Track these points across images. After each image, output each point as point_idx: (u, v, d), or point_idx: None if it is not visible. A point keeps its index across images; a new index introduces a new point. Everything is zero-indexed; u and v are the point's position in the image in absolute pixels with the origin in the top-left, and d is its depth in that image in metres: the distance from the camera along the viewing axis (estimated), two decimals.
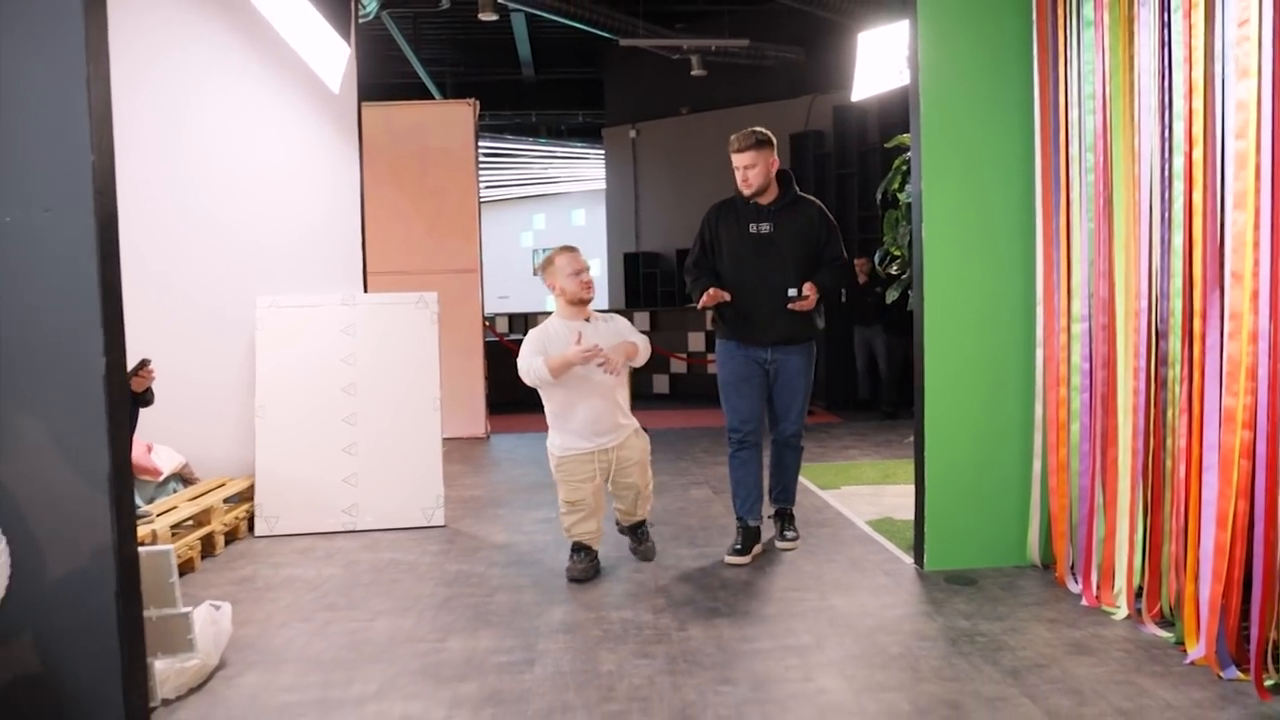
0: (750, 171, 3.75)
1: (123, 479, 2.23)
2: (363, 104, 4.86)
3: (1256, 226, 2.42)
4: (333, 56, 4.46)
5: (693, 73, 10.99)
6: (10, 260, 2.15)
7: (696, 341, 10.22)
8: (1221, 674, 2.54)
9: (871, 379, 8.58)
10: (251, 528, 4.45)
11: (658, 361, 10.27)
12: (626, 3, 10.26)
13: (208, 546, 4.06)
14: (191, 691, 2.60)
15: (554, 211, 19.57)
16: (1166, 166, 2.79)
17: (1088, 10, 3.14)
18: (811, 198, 3.93)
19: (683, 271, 4.05)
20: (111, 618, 2.22)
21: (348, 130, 4.72)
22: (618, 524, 3.87)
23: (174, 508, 4.02)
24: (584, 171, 17.48)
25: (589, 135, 15.61)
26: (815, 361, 3.95)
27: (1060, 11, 3.31)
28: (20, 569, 2.14)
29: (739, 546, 3.81)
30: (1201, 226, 2.64)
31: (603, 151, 14.18)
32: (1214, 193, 2.59)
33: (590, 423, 3.59)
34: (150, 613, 2.41)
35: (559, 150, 16.48)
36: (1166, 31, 2.78)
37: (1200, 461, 2.65)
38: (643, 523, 3.84)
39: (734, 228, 3.83)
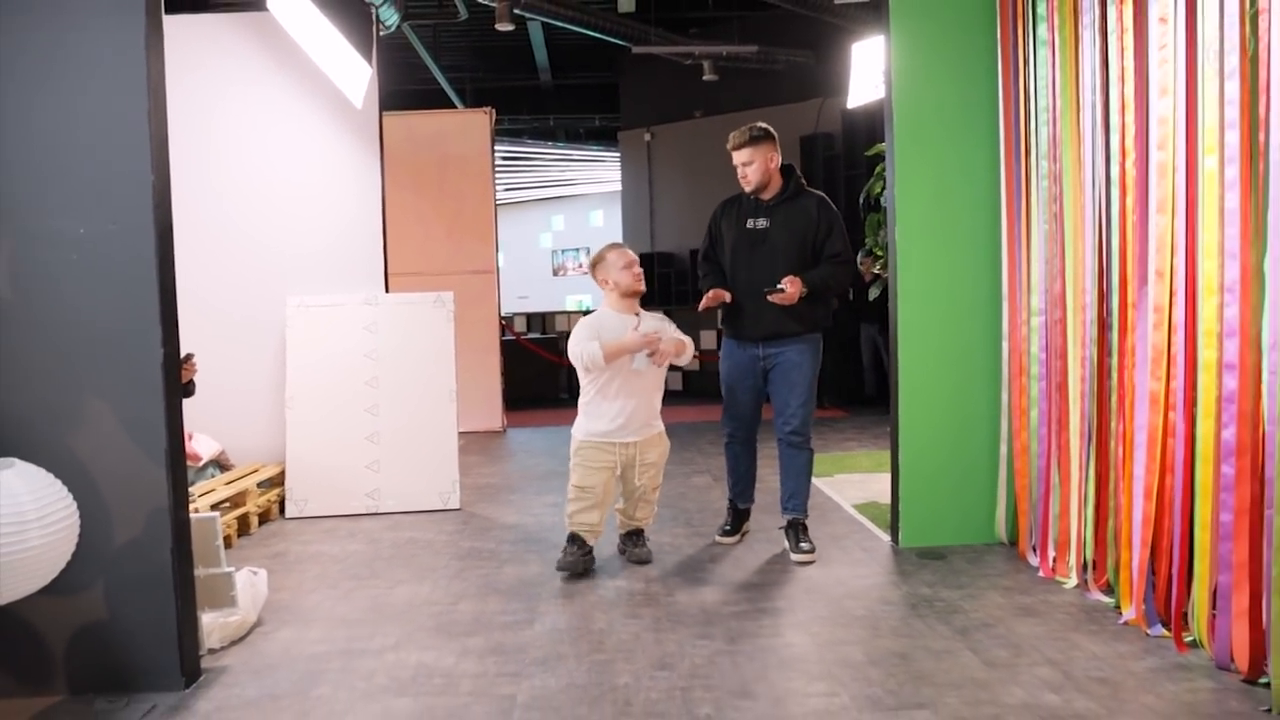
0: (749, 169, 3.77)
1: (177, 453, 2.59)
2: (385, 113, 5.22)
3: (1174, 228, 2.70)
4: (356, 75, 4.82)
5: (704, 77, 11.29)
6: (83, 266, 2.52)
7: (709, 339, 10.52)
8: (1149, 631, 2.82)
9: (877, 375, 8.86)
10: (283, 510, 4.83)
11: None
12: (640, 11, 10.59)
13: (243, 526, 4.44)
14: (233, 643, 2.96)
15: (573, 213, 19.90)
16: (1106, 174, 3.08)
17: (1042, 30, 3.43)
18: (815, 192, 3.89)
19: (695, 267, 4.06)
20: (168, 573, 2.59)
21: (370, 142, 5.09)
22: (619, 535, 3.90)
23: (212, 490, 4.39)
24: (601, 174, 17.79)
25: (605, 138, 15.93)
26: (819, 358, 3.86)
27: (1020, 31, 3.59)
28: (90, 530, 2.49)
29: (728, 527, 4.08)
30: (1134, 228, 2.93)
31: (618, 154, 14.50)
32: (1142, 199, 2.87)
33: (622, 415, 3.66)
34: (199, 571, 2.77)
35: (576, 153, 16.80)
36: (1104, 52, 3.06)
37: (1132, 440, 2.94)
38: (641, 531, 3.88)
39: (734, 223, 3.88)
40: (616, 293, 3.76)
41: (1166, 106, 2.72)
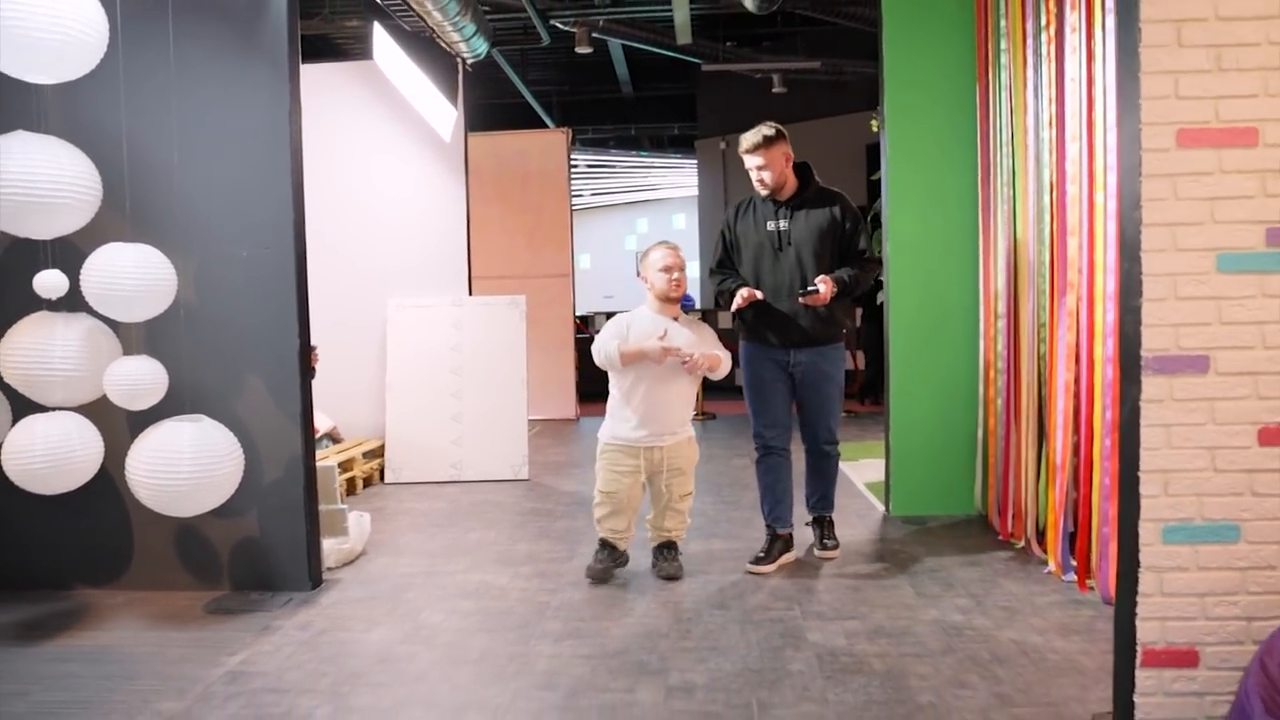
0: (763, 172, 3.60)
1: (308, 416, 3.52)
2: (472, 134, 6.15)
3: (1080, 247, 3.35)
4: (444, 114, 5.76)
5: (774, 90, 11.95)
6: (246, 279, 3.47)
7: None
8: (1064, 578, 3.46)
9: None
10: (382, 476, 5.81)
11: (737, 358, 11.34)
12: (711, 30, 11.34)
13: (350, 488, 5.42)
14: (345, 565, 3.89)
15: (656, 216, 20.77)
16: (1041, 202, 3.72)
17: (1004, 76, 4.07)
18: (836, 190, 3.72)
19: (708, 276, 3.94)
20: (301, 505, 3.52)
21: (456, 169, 6.02)
22: (651, 549, 3.77)
23: (326, 458, 5.37)
24: (682, 179, 18.61)
25: (686, 146, 16.73)
26: (846, 363, 3.79)
27: (990, 73, 4.24)
28: (248, 469, 3.43)
29: (762, 554, 3.69)
30: (1057, 248, 3.56)
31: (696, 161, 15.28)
32: (1062, 224, 3.51)
33: (647, 417, 3.54)
34: (322, 506, 3.70)
35: (658, 161, 17.66)
36: (1039, 99, 3.70)
37: (1055, 422, 3.58)
38: (673, 544, 3.71)
39: (752, 226, 3.70)
40: (652, 293, 3.65)
41: (1075, 150, 3.36)
